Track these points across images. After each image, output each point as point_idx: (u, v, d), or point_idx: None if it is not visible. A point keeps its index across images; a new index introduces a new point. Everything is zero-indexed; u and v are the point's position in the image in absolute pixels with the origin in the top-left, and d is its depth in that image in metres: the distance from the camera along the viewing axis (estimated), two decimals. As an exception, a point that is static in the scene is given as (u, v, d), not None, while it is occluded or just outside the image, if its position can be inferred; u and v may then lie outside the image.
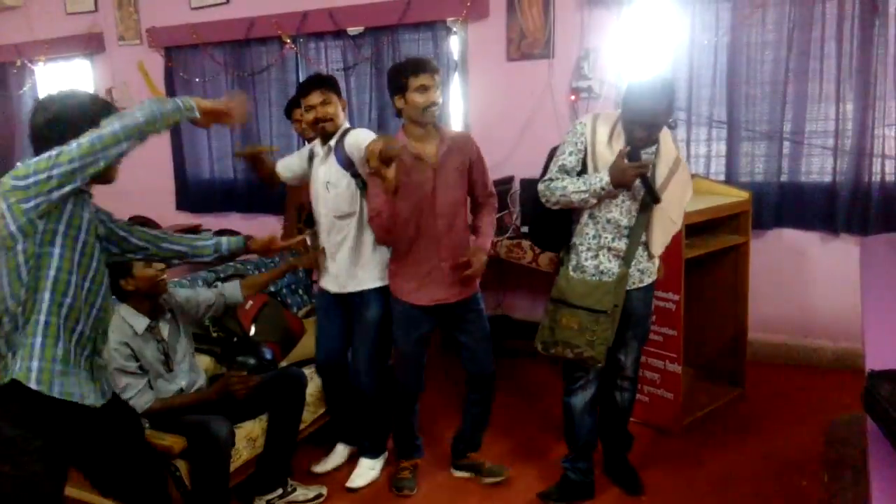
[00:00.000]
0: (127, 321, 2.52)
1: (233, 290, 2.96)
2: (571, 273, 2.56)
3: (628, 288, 2.56)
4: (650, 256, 2.61)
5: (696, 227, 3.32)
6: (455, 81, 4.76)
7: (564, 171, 2.51)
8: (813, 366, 4.06)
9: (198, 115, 1.88)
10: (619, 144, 2.44)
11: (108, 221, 2.06)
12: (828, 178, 3.93)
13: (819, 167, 3.96)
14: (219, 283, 3.12)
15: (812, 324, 4.10)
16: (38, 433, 1.77)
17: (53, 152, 1.71)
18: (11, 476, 1.77)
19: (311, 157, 2.94)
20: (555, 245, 2.72)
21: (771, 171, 4.03)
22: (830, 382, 3.82)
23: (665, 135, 2.50)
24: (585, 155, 2.51)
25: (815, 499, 2.72)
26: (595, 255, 2.54)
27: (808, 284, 4.08)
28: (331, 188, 2.78)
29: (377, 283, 2.83)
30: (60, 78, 6.43)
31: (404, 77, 2.60)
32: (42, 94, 6.35)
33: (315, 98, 2.75)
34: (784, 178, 4.02)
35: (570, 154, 2.52)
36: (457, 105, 4.78)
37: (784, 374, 3.98)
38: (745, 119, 4.04)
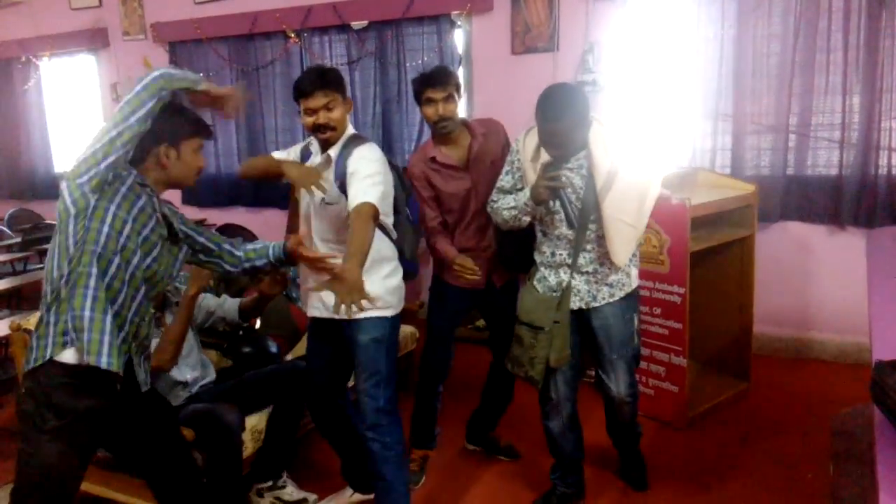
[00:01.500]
0: None
1: (231, 308, 2.93)
2: (531, 287, 2.49)
3: (598, 304, 2.44)
4: (619, 268, 2.43)
5: (702, 221, 3.31)
6: (459, 75, 4.75)
7: (503, 191, 2.49)
8: (818, 359, 4.05)
9: (200, 88, 1.95)
10: (546, 159, 2.35)
11: (178, 221, 2.10)
12: (834, 171, 3.91)
13: (825, 160, 3.94)
14: (225, 296, 3.09)
15: (818, 317, 4.09)
16: (59, 414, 1.78)
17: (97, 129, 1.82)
18: (27, 453, 1.81)
19: (303, 157, 2.51)
20: (522, 265, 2.63)
21: (777, 164, 4.01)
22: (836, 375, 3.82)
23: (596, 140, 2.32)
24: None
25: (821, 491, 2.71)
26: (556, 273, 2.45)
27: (813, 277, 4.07)
28: (326, 207, 2.37)
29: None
30: (65, 73, 6.45)
31: (417, 90, 2.68)
32: (46, 90, 6.43)
33: (318, 101, 2.29)
34: (790, 171, 4.00)
35: (507, 173, 2.49)
36: (461, 99, 4.76)
37: (789, 368, 3.98)
38: (751, 112, 4.02)
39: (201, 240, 2.16)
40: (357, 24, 4.92)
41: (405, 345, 3.62)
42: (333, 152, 2.37)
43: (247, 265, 2.22)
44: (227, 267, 2.21)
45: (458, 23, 4.67)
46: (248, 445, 2.69)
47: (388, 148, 4.91)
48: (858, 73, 3.76)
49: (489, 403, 3.10)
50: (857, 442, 2.76)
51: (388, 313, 2.41)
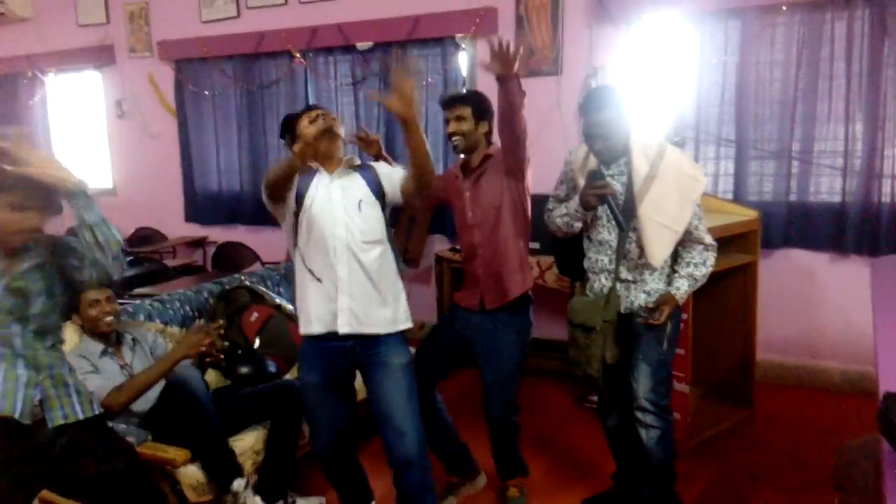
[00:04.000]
0: (86, 343, 2.67)
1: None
2: (582, 292, 2.60)
3: (634, 310, 2.48)
4: (658, 276, 2.47)
5: (705, 246, 3.30)
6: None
7: (558, 200, 2.64)
8: (821, 387, 4.02)
9: None
10: (593, 166, 2.47)
11: None
12: (837, 199, 3.91)
13: (828, 187, 3.95)
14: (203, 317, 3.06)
15: (821, 345, 4.06)
16: None
17: None
18: None
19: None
20: (578, 272, 2.68)
21: (779, 191, 4.01)
22: (839, 405, 3.79)
23: (636, 145, 2.41)
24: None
25: (825, 523, 2.67)
26: (598, 278, 2.54)
27: (816, 305, 4.05)
28: (364, 207, 2.37)
29: (402, 325, 2.44)
30: (70, 89, 6.48)
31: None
32: (51, 105, 6.45)
33: (321, 110, 2.44)
34: (793, 197, 4.00)
35: (562, 183, 2.65)
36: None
37: (792, 396, 3.95)
38: (754, 138, 4.04)
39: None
40: (362, 45, 4.95)
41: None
42: (355, 164, 2.47)
43: None
44: None
45: (463, 45, 4.70)
46: (247, 465, 2.67)
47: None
48: (861, 101, 3.77)
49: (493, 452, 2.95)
50: (860, 473, 2.72)
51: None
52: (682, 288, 2.43)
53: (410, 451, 2.32)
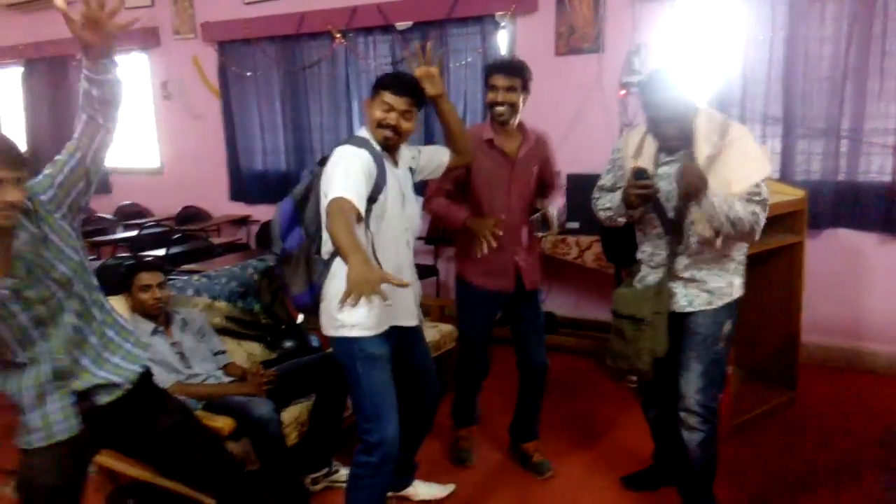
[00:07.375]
0: (136, 322, 2.73)
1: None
2: (630, 283, 2.47)
3: (692, 310, 2.34)
4: (718, 274, 2.33)
5: (749, 225, 3.25)
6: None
7: (603, 189, 2.51)
8: (867, 370, 3.95)
9: None
10: (649, 154, 2.33)
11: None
12: (887, 178, 3.81)
13: (878, 166, 3.85)
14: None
15: (867, 327, 3.98)
16: None
17: None
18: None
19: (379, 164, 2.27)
20: (626, 260, 2.58)
21: (827, 170, 3.92)
22: (885, 388, 3.72)
23: (699, 128, 2.24)
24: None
25: (869, 505, 2.64)
26: (656, 273, 2.40)
27: (864, 287, 3.96)
28: (419, 200, 2.48)
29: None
30: (118, 71, 6.61)
31: (485, 76, 2.74)
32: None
33: (402, 103, 2.28)
34: (841, 176, 3.92)
35: (608, 172, 2.52)
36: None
37: (837, 378, 3.89)
38: (802, 116, 3.95)
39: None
40: (401, 25, 4.96)
41: (443, 343, 3.62)
42: (403, 151, 2.43)
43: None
44: None
45: (502, 23, 4.67)
46: (292, 435, 2.74)
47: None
48: (914, 78, 3.66)
49: (520, 412, 3.07)
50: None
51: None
52: (716, 198, 2.13)
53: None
